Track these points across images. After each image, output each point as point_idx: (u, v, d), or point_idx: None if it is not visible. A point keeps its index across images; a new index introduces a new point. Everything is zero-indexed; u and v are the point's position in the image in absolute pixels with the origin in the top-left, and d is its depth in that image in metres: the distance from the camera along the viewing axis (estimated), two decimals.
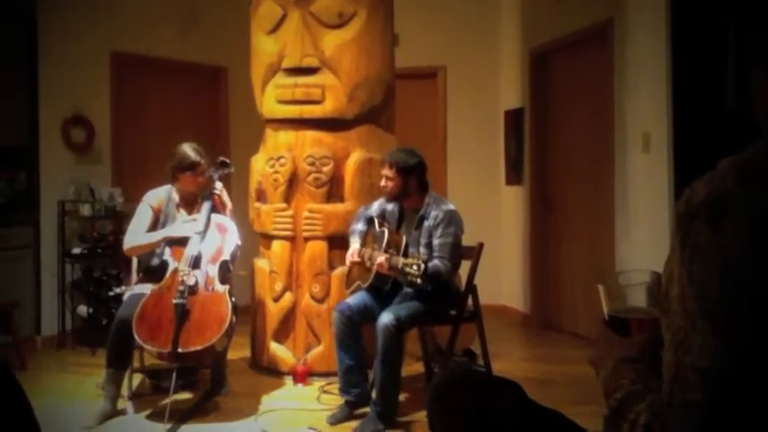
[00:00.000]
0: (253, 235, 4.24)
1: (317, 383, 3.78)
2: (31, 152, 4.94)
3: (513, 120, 5.75)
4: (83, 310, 4.86)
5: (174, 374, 3.24)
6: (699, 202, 0.76)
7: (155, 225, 3.56)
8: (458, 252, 3.29)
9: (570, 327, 5.07)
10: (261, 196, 4.14)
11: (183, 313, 3.15)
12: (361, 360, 3.30)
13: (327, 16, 3.93)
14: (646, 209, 4.12)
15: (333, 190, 3.95)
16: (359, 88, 3.94)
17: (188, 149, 3.58)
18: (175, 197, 3.65)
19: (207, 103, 6.06)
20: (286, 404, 3.55)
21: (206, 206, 3.57)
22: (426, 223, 3.26)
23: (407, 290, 3.25)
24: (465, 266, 3.51)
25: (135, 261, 3.78)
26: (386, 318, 3.07)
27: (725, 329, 0.72)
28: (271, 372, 4.01)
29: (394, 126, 4.29)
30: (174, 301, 3.18)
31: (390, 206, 3.47)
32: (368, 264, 3.32)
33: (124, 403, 3.49)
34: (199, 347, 3.11)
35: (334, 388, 3.51)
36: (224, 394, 3.66)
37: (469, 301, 3.50)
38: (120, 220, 4.98)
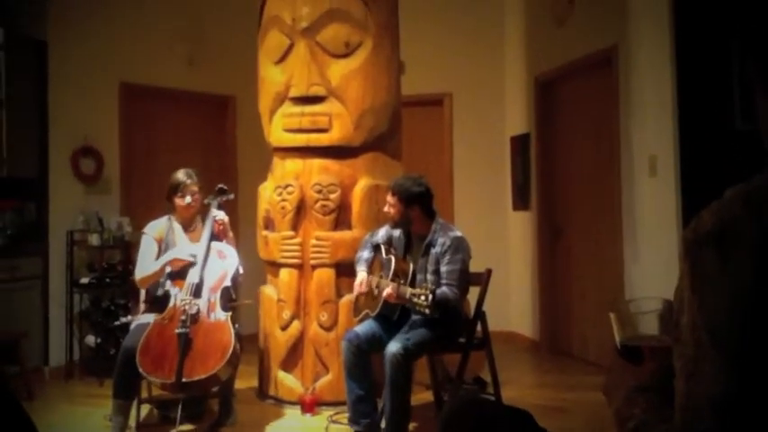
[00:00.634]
0: (260, 263, 4.24)
1: (326, 413, 3.74)
2: (41, 183, 4.97)
3: (520, 145, 5.76)
4: (91, 339, 4.86)
5: (181, 405, 3.22)
6: (707, 230, 0.75)
7: (159, 255, 3.59)
8: (466, 279, 3.28)
9: (580, 353, 5.03)
10: (269, 224, 4.15)
11: (186, 343, 3.15)
12: (371, 389, 3.27)
13: (334, 46, 3.97)
14: (654, 232, 4.10)
15: (340, 217, 3.96)
16: (365, 116, 3.97)
17: (178, 173, 3.67)
18: (175, 225, 3.68)
19: (215, 132, 6.11)
20: None
21: (206, 233, 3.60)
22: (434, 250, 3.26)
23: (416, 317, 3.24)
24: (473, 293, 3.50)
25: (143, 291, 3.78)
26: (394, 346, 3.05)
27: (736, 359, 0.71)
28: (279, 401, 3.98)
29: (401, 153, 4.31)
30: (177, 330, 3.18)
31: (397, 232, 3.47)
32: (375, 292, 3.31)
33: None
34: (203, 376, 3.10)
35: (343, 418, 3.48)
36: (231, 424, 3.63)
37: (478, 328, 3.48)
38: (129, 249, 4.99)
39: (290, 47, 4.02)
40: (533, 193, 5.57)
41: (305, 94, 3.97)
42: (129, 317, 3.90)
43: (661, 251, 3.96)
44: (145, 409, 3.72)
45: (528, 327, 5.64)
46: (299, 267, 3.96)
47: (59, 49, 5.04)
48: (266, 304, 4.11)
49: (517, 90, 5.86)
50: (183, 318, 3.22)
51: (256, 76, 4.31)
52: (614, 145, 4.48)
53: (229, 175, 5.90)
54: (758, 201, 0.74)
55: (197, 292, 3.37)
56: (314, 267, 3.93)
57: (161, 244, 3.61)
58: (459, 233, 3.32)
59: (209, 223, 3.64)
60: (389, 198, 3.35)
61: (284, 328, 3.95)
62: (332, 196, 3.94)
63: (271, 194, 4.10)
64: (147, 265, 3.54)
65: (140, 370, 3.13)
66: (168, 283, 3.50)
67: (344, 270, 3.84)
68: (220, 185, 3.89)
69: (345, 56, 3.99)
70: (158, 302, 3.53)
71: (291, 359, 3.98)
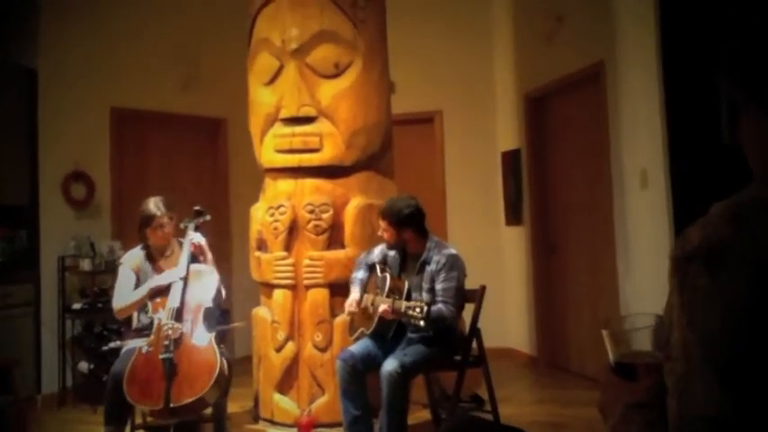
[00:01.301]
0: (253, 285, 4.22)
1: None
2: (32, 210, 4.96)
3: (511, 161, 5.79)
4: (84, 366, 4.81)
5: (172, 430, 3.19)
6: (694, 247, 0.75)
7: (136, 285, 3.57)
8: (461, 296, 3.28)
9: (578, 367, 5.01)
10: (261, 245, 4.13)
11: (171, 368, 3.12)
12: (367, 409, 3.24)
13: (323, 67, 3.98)
14: (647, 245, 4.11)
15: (333, 237, 3.95)
16: (356, 136, 3.97)
17: (149, 203, 3.66)
18: (149, 254, 3.67)
19: (206, 154, 6.12)
20: None
21: (184, 256, 3.58)
22: (429, 268, 3.26)
23: (411, 335, 3.23)
24: (468, 309, 3.49)
25: (135, 316, 3.75)
26: (390, 365, 3.03)
27: (727, 375, 0.71)
28: (274, 424, 3.94)
29: (393, 171, 4.31)
30: (162, 356, 3.16)
31: (392, 252, 3.47)
32: (371, 310, 3.30)
33: None
34: (191, 400, 3.08)
35: None
36: None
37: (474, 345, 3.46)
38: None
39: (280, 68, 4.03)
40: (526, 209, 5.58)
41: (295, 115, 3.97)
42: (119, 341, 3.86)
43: (655, 263, 3.96)
44: None
45: (525, 342, 5.62)
46: (293, 288, 3.94)
47: (49, 75, 5.05)
48: (260, 326, 4.08)
49: (507, 106, 5.89)
50: (167, 343, 3.20)
51: (247, 99, 4.32)
52: (605, 159, 4.50)
53: (221, 196, 5.90)
54: (744, 216, 0.74)
55: (179, 316, 3.35)
56: (307, 288, 3.91)
57: (138, 273, 3.61)
58: (453, 251, 3.32)
59: (186, 246, 3.62)
60: (381, 223, 3.36)
61: (279, 350, 3.92)
62: (324, 216, 3.93)
63: (263, 215, 4.09)
64: (124, 294, 3.53)
65: (128, 399, 3.10)
66: (149, 308, 3.48)
67: (338, 290, 3.82)
68: (197, 207, 3.88)
69: (335, 76, 4.00)
70: (145, 330, 3.51)
71: (287, 381, 3.94)
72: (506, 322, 5.74)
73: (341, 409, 3.29)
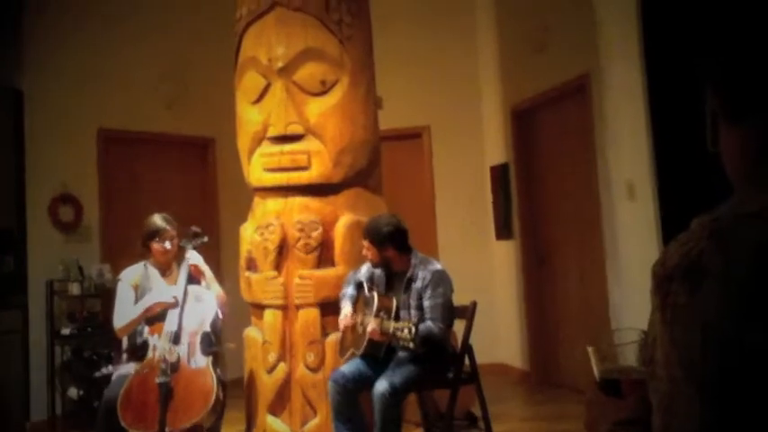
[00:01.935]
0: (243, 305, 4.19)
1: None
2: (19, 234, 4.92)
3: (499, 175, 5.80)
4: (73, 392, 4.75)
5: None
6: (674, 264, 0.75)
7: (135, 302, 3.52)
8: (449, 312, 3.26)
9: (571, 382, 4.98)
10: (251, 265, 4.10)
11: (167, 392, 3.08)
12: (360, 430, 3.20)
13: (310, 84, 3.98)
14: (636, 256, 4.11)
15: (323, 255, 3.92)
16: (344, 153, 3.96)
17: (155, 218, 3.65)
18: (151, 270, 3.63)
19: (195, 174, 6.10)
20: None
21: (182, 278, 3.54)
22: (415, 285, 3.24)
23: (402, 354, 3.20)
24: (460, 325, 3.47)
25: (125, 339, 3.71)
26: (381, 385, 3.00)
27: (710, 393, 0.70)
28: None
29: (382, 188, 4.30)
30: (158, 380, 3.11)
31: (378, 270, 3.45)
32: (360, 330, 3.27)
33: None
34: (186, 425, 3.04)
35: None
36: None
37: (467, 362, 3.44)
38: (110, 297, 4.90)
39: (267, 87, 4.02)
40: (516, 222, 5.58)
41: (283, 133, 3.96)
42: (111, 367, 3.82)
43: (644, 275, 3.91)
44: None
45: (517, 358, 5.60)
46: (284, 308, 3.91)
47: (35, 97, 5.04)
48: (251, 347, 4.04)
49: (494, 120, 5.91)
50: (164, 366, 3.16)
51: (234, 117, 4.31)
52: (592, 171, 4.52)
53: (211, 216, 5.87)
54: (723, 231, 0.73)
55: (176, 339, 3.31)
56: (298, 307, 3.87)
57: (137, 290, 3.56)
58: (438, 266, 3.30)
59: (184, 267, 3.59)
60: (363, 242, 3.35)
61: (270, 371, 3.87)
62: (314, 234, 3.91)
63: (252, 235, 4.06)
64: (125, 313, 3.47)
65: (122, 423, 3.05)
66: (146, 330, 3.44)
67: (329, 309, 3.78)
68: (194, 228, 3.86)
69: (322, 94, 4.00)
70: (139, 351, 3.46)
71: (279, 402, 3.89)
72: (498, 337, 5.72)
73: (333, 430, 3.25)
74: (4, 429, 4.19)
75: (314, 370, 3.79)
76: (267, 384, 3.89)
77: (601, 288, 4.44)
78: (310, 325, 3.84)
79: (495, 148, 5.91)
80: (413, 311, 3.20)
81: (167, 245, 3.58)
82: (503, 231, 5.78)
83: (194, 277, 3.63)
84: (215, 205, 6.06)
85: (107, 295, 5.00)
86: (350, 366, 3.28)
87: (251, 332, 4.08)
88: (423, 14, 6.21)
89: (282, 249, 3.93)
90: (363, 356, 3.30)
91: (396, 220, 3.40)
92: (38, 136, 5.03)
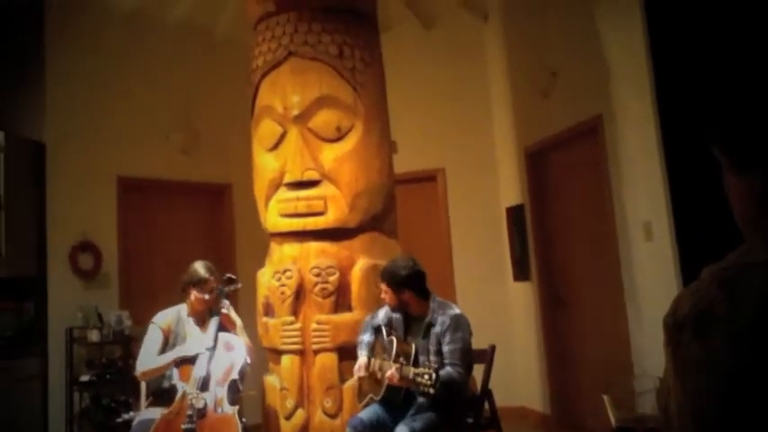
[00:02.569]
0: (261, 351, 4.18)
1: None
2: (40, 281, 4.98)
3: (515, 216, 5.80)
4: None
5: None
6: (684, 314, 0.76)
7: (165, 347, 3.53)
8: (469, 357, 3.23)
9: (594, 425, 4.88)
10: (269, 310, 4.11)
11: None
12: None
13: (325, 131, 4.03)
14: (656, 297, 4.07)
15: (340, 300, 3.92)
16: (359, 198, 4.00)
17: (198, 266, 3.67)
18: (185, 316, 3.64)
19: (212, 220, 6.16)
20: None
21: (213, 325, 3.56)
22: (434, 330, 3.22)
23: (421, 400, 3.17)
24: (479, 369, 3.44)
25: (143, 385, 3.71)
26: (400, 431, 2.97)
27: None
28: None
29: (397, 232, 4.32)
30: (184, 426, 3.11)
31: (397, 314, 3.44)
32: (378, 375, 3.25)
33: None
34: None
35: None
36: None
37: (486, 406, 3.40)
38: (129, 343, 4.94)
39: (283, 134, 4.08)
40: (533, 264, 5.56)
41: (299, 179, 4.00)
42: (131, 413, 3.81)
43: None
44: None
45: (538, 401, 5.51)
46: (301, 353, 3.90)
47: (57, 148, 5.15)
48: (270, 394, 4.02)
49: (508, 162, 5.94)
50: (190, 413, 3.16)
51: (251, 164, 4.37)
52: (608, 212, 4.51)
53: (228, 262, 5.90)
54: (731, 282, 0.74)
55: (204, 385, 3.31)
56: (316, 352, 3.86)
57: (168, 335, 3.57)
58: (457, 310, 3.29)
59: (216, 315, 3.62)
60: (382, 286, 3.36)
61: (288, 418, 3.85)
62: (330, 279, 3.92)
63: (269, 280, 4.08)
64: (148, 357, 3.48)
65: None
66: (175, 375, 3.44)
67: (347, 354, 3.77)
68: (229, 275, 3.89)
69: (337, 140, 4.05)
70: (163, 395, 3.46)
71: None
72: (517, 380, 5.65)
73: None
74: None
75: (332, 416, 3.76)
76: (286, 431, 3.86)
77: (621, 329, 4.39)
78: (328, 370, 3.82)
79: (509, 189, 5.93)
80: (432, 357, 3.18)
81: (207, 296, 3.61)
82: (520, 273, 5.75)
83: (225, 326, 3.65)
84: (232, 251, 6.10)
85: (126, 342, 5.02)
86: (368, 412, 3.25)
87: (269, 379, 4.07)
88: (435, 59, 6.31)
89: (299, 294, 3.94)
90: (382, 402, 3.27)
91: (413, 262, 3.40)
92: (59, 186, 5.13)
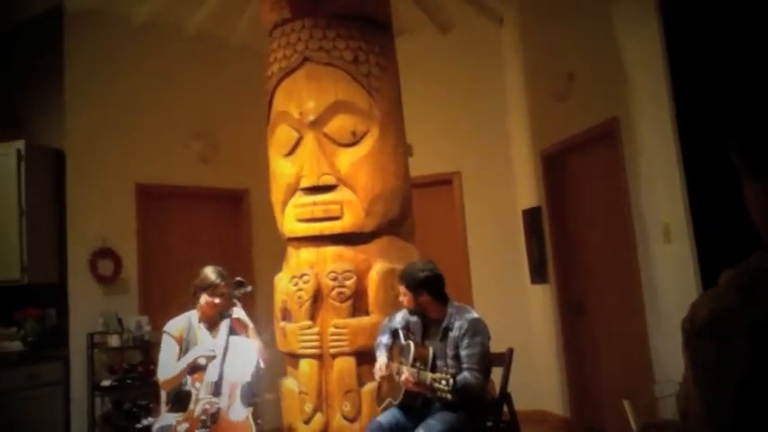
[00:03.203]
0: (279, 356, 4.20)
1: None
2: (61, 288, 5.04)
3: (532, 219, 5.78)
4: None
5: None
6: (702, 320, 0.75)
7: (179, 354, 3.56)
8: (487, 361, 3.22)
9: (614, 427, 4.85)
10: (286, 315, 4.12)
11: None
12: None
13: (341, 136, 4.05)
14: (675, 299, 4.04)
15: (357, 304, 3.93)
16: (376, 202, 4.01)
17: (209, 271, 3.69)
18: (196, 322, 3.67)
19: (230, 225, 6.20)
20: None
21: (224, 329, 3.58)
22: (452, 334, 3.22)
23: (440, 404, 3.16)
24: (497, 373, 3.43)
25: (164, 391, 3.74)
26: None
27: None
28: None
29: (414, 235, 4.32)
30: (198, 431, 3.13)
31: (414, 318, 3.44)
32: (397, 378, 3.26)
33: None
34: None
35: None
36: None
37: (505, 410, 3.39)
38: (149, 348, 4.98)
39: (299, 139, 4.10)
40: (550, 266, 5.54)
41: (316, 184, 4.02)
42: (150, 419, 3.84)
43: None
44: None
45: (558, 404, 5.48)
46: (319, 357, 3.91)
47: (76, 156, 5.22)
48: (288, 398, 4.03)
49: (524, 164, 5.93)
50: (204, 417, 3.18)
51: (268, 169, 4.40)
52: (626, 215, 4.48)
53: (245, 267, 5.94)
54: (749, 287, 0.74)
55: (216, 390, 3.33)
56: (334, 356, 3.87)
57: (181, 342, 3.59)
58: (475, 315, 3.28)
59: (227, 319, 3.64)
60: (399, 287, 3.36)
61: (307, 422, 3.86)
62: (347, 283, 3.93)
63: (287, 285, 4.10)
64: (168, 366, 3.50)
65: None
66: (189, 379, 3.47)
67: (365, 358, 3.78)
68: (238, 278, 3.91)
69: (353, 144, 4.06)
70: (180, 401, 3.48)
71: None
72: (537, 383, 5.62)
73: None
74: None
75: (351, 420, 3.76)
76: None
77: (641, 332, 4.36)
78: (346, 374, 3.83)
79: (526, 191, 5.91)
80: (449, 361, 3.18)
81: (217, 300, 3.64)
82: (537, 275, 5.73)
83: (236, 330, 3.66)
84: (249, 256, 6.14)
85: (146, 347, 5.07)
86: (387, 416, 3.26)
87: (287, 383, 4.09)
88: (450, 63, 6.32)
89: (317, 299, 3.95)
90: (401, 406, 3.27)
91: (431, 266, 3.41)
92: (78, 193, 5.19)
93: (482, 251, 6.06)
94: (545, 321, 5.63)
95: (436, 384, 2.83)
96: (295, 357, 4.02)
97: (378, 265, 3.99)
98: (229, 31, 6.16)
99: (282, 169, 4.20)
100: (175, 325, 3.66)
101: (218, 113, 6.08)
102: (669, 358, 4.00)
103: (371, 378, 3.59)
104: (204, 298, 3.63)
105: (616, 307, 4.82)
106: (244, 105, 5.93)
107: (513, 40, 6.09)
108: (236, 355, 3.52)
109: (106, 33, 5.50)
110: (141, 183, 5.54)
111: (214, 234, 6.05)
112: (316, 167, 4.02)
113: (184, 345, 3.60)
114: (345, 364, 3.84)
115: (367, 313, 3.92)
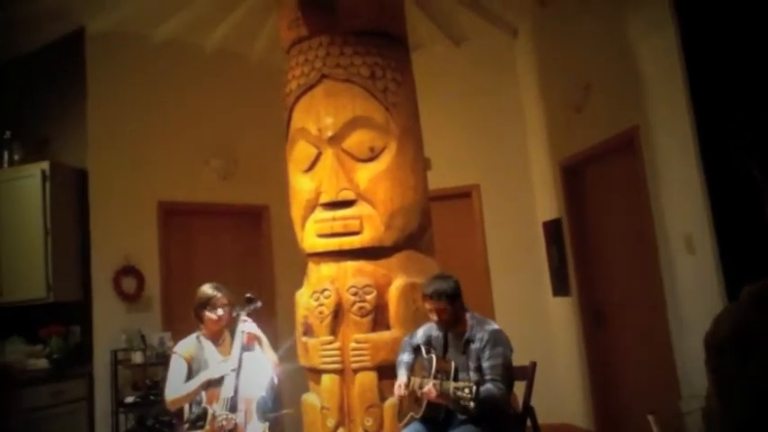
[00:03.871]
0: (301, 371, 4.21)
1: None
2: (85, 305, 5.10)
3: (552, 230, 5.75)
4: None
5: None
6: (724, 335, 0.75)
7: (189, 375, 3.57)
8: (509, 372, 3.20)
9: None
10: (308, 330, 4.14)
11: None
12: None
13: (359, 151, 4.07)
14: (699, 310, 3.99)
15: (378, 318, 3.93)
16: (395, 217, 4.01)
17: (205, 287, 3.74)
18: (204, 342, 3.69)
19: (250, 241, 6.24)
20: None
21: (237, 345, 3.60)
22: (473, 346, 3.20)
23: (462, 417, 3.15)
24: (520, 385, 3.41)
25: (186, 408, 3.76)
26: None
27: None
28: None
29: (433, 249, 4.32)
30: None
31: (435, 332, 3.44)
32: (419, 393, 3.24)
33: None
34: None
35: None
36: None
37: (528, 424, 3.36)
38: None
39: (318, 156, 4.13)
40: (572, 278, 5.50)
41: (335, 200, 4.04)
42: None
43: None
44: None
45: (582, 417, 5.42)
46: (341, 372, 3.91)
47: (99, 175, 5.30)
48: (310, 413, 4.04)
49: (543, 175, 5.91)
50: None
51: (287, 185, 4.43)
52: (648, 225, 4.44)
53: (266, 283, 5.97)
54: None
55: (233, 406, 3.35)
56: (355, 371, 3.87)
57: (191, 363, 3.61)
58: (495, 326, 3.27)
59: (238, 335, 3.65)
60: (435, 304, 3.28)
61: None
62: (368, 297, 3.93)
63: (308, 300, 4.11)
64: (176, 386, 3.52)
65: None
66: (203, 396, 3.49)
67: (386, 372, 3.77)
68: (248, 295, 3.93)
69: (371, 160, 4.07)
70: (198, 420, 3.50)
71: None
72: (560, 397, 5.57)
73: None
74: None
75: None
76: None
77: (665, 344, 4.30)
78: (368, 389, 3.83)
79: (545, 203, 5.89)
80: (472, 373, 3.16)
81: (219, 311, 3.65)
82: (559, 287, 5.69)
83: (248, 344, 3.68)
84: (271, 272, 6.17)
85: (168, 363, 5.09)
86: (409, 431, 3.24)
87: (309, 398, 4.09)
88: (466, 75, 6.34)
89: (338, 314, 3.96)
90: (422, 421, 3.26)
91: (450, 275, 3.41)
92: (102, 212, 5.26)
93: (502, 263, 6.03)
94: (567, 334, 5.58)
95: (459, 393, 2.82)
96: (317, 372, 4.03)
97: (398, 280, 3.99)
98: (248, 49, 6.24)
99: (302, 185, 4.22)
100: (185, 347, 3.68)
101: (238, 130, 6.14)
102: (694, 371, 3.94)
103: (393, 393, 3.58)
104: (207, 314, 3.65)
105: (639, 319, 4.77)
106: (263, 122, 5.99)
107: (528, 51, 6.10)
108: (251, 371, 3.53)
109: (127, 53, 5.60)
110: (163, 200, 5.61)
111: (235, 250, 6.09)
112: (335, 183, 4.04)
113: (195, 365, 3.62)
114: (367, 379, 3.84)
115: (388, 328, 3.92)
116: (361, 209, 4.02)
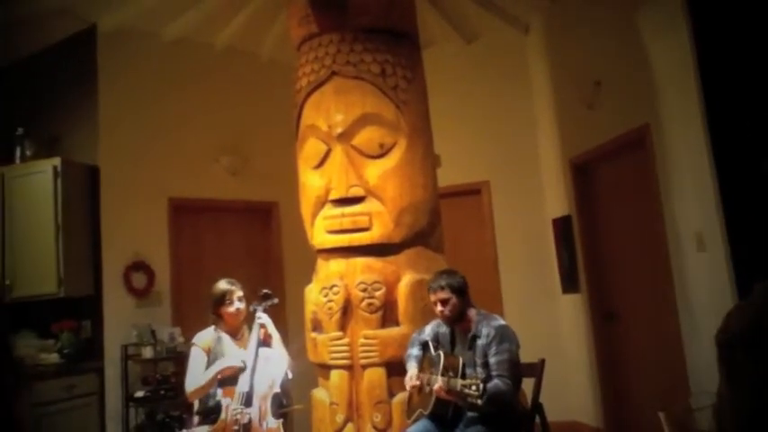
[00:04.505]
0: (310, 367, 4.22)
1: None
2: (96, 300, 5.13)
3: (562, 227, 5.74)
4: None
5: None
6: (735, 332, 0.75)
7: (207, 366, 3.59)
8: (516, 368, 3.20)
9: None
10: (317, 326, 4.15)
11: None
12: None
13: (369, 148, 4.07)
14: (710, 308, 3.97)
15: (387, 315, 3.93)
16: (404, 213, 4.02)
17: (219, 283, 3.75)
18: (222, 335, 3.70)
19: (260, 238, 6.26)
20: None
21: (253, 341, 3.61)
22: (479, 342, 3.20)
23: (471, 414, 3.15)
24: (529, 383, 3.41)
25: (196, 402, 3.78)
26: None
27: None
28: None
29: (443, 246, 4.32)
30: None
31: (444, 329, 3.44)
32: (427, 389, 3.25)
33: None
34: None
35: None
36: None
37: (537, 421, 3.36)
38: (181, 360, 5.03)
39: (328, 152, 4.14)
40: (581, 275, 5.48)
41: (344, 196, 4.04)
42: (185, 430, 3.88)
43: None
44: None
45: (590, 415, 5.41)
46: (349, 368, 3.92)
47: (110, 172, 5.33)
48: (319, 409, 4.05)
49: (553, 173, 5.89)
50: (236, 428, 3.21)
51: (297, 182, 4.44)
52: (658, 223, 4.42)
53: (276, 279, 5.98)
54: None
55: (248, 401, 3.36)
56: (364, 367, 3.88)
57: (209, 354, 3.63)
58: (501, 321, 3.27)
59: (255, 330, 3.67)
60: (441, 296, 3.28)
61: None
62: (377, 294, 3.94)
63: (317, 296, 4.13)
64: (196, 377, 3.54)
65: None
66: (219, 392, 3.50)
67: (395, 369, 3.78)
68: (265, 291, 3.94)
69: (381, 156, 4.08)
70: (211, 413, 3.52)
71: None
72: (569, 394, 5.56)
73: None
74: None
75: (382, 431, 3.77)
76: None
77: (675, 342, 4.29)
78: (376, 385, 3.83)
79: (555, 200, 5.88)
80: (479, 369, 3.16)
81: (237, 304, 3.67)
82: (568, 284, 5.68)
83: (264, 340, 3.69)
84: (280, 268, 6.19)
85: (179, 358, 5.13)
86: (417, 427, 3.25)
87: (318, 393, 4.11)
88: (477, 72, 6.33)
89: (347, 310, 3.97)
90: (431, 416, 3.26)
91: (456, 270, 3.41)
92: (112, 208, 5.29)
93: (512, 260, 6.02)
94: (577, 331, 5.57)
95: (466, 390, 2.82)
96: (326, 368, 4.04)
97: (407, 277, 3.99)
98: (258, 47, 6.25)
99: (311, 182, 4.23)
100: (203, 338, 3.70)
101: (248, 127, 6.16)
102: (705, 368, 3.93)
103: (402, 389, 3.59)
104: (225, 309, 3.67)
105: (649, 316, 4.75)
106: (273, 119, 6.00)
107: (539, 48, 6.08)
108: (266, 366, 3.55)
109: (138, 51, 5.62)
110: (173, 197, 5.63)
111: (245, 246, 6.12)
112: (344, 179, 4.04)
113: (212, 356, 3.64)
114: (375, 375, 3.85)
115: (397, 324, 3.93)
116: (370, 205, 4.02)
